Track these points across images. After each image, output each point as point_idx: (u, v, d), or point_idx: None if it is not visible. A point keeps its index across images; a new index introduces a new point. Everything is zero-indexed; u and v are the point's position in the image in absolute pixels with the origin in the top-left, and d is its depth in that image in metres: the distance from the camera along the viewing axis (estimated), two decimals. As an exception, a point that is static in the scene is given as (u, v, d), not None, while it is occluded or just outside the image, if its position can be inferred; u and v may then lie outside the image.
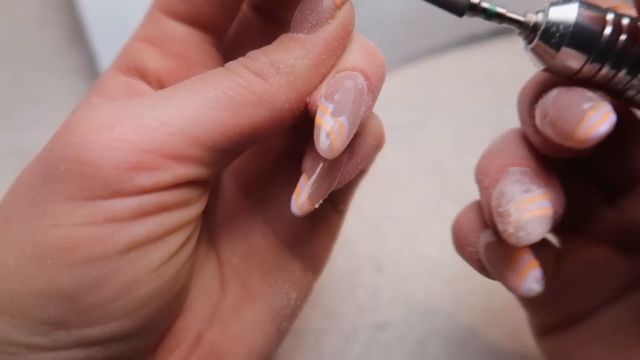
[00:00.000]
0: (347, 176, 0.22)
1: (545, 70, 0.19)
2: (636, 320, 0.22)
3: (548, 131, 0.19)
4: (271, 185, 0.24)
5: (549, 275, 0.24)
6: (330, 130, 0.19)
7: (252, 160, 0.25)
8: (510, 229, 0.18)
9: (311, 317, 0.32)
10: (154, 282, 0.19)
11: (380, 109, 0.23)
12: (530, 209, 0.19)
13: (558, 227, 0.22)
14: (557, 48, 0.18)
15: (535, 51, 0.19)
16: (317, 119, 0.19)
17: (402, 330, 0.32)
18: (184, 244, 0.20)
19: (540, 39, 0.18)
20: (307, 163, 0.21)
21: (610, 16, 0.18)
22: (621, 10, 0.19)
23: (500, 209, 0.19)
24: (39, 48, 0.46)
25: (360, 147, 0.22)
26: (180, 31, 0.22)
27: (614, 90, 0.19)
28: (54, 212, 0.17)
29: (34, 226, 0.18)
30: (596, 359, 0.23)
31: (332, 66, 0.21)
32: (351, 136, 0.20)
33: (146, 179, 0.18)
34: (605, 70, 0.18)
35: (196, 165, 0.19)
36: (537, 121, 0.19)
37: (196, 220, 0.20)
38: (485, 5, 0.18)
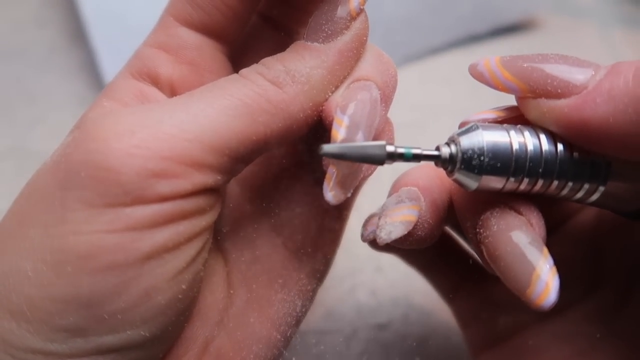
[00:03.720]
0: (370, 172, 0.22)
1: (474, 191, 0.20)
2: (556, 343, 0.23)
3: (495, 270, 0.20)
4: (277, 192, 0.24)
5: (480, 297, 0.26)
6: None
7: (258, 167, 0.25)
8: (377, 232, 0.21)
9: (311, 317, 0.32)
10: (172, 289, 0.19)
11: (380, 109, 0.23)
12: (394, 216, 0.21)
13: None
14: (479, 176, 0.19)
15: (458, 179, 0.20)
16: (334, 132, 0.20)
17: (402, 330, 0.32)
18: (199, 251, 0.20)
19: (460, 169, 0.19)
20: None
21: (512, 132, 0.19)
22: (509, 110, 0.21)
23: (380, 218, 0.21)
24: (39, 47, 0.46)
25: None
26: (193, 39, 0.22)
27: (538, 193, 0.20)
28: (74, 219, 0.17)
29: (53, 232, 0.17)
30: None
31: (346, 76, 0.21)
32: None
33: (166, 187, 0.18)
34: (525, 182, 0.19)
35: (213, 172, 0.19)
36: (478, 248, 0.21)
37: (211, 227, 0.20)
38: (401, 151, 0.19)
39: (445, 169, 0.20)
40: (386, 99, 0.21)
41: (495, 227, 0.19)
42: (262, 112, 0.19)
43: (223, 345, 0.22)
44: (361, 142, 0.19)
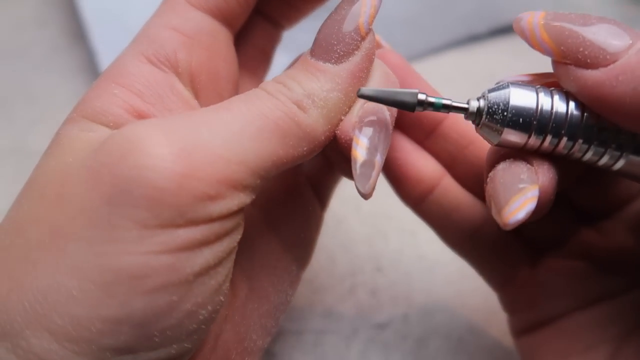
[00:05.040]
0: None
1: (497, 145, 0.21)
2: (597, 326, 0.23)
3: (488, 204, 0.20)
4: (272, 190, 0.25)
5: (524, 281, 0.26)
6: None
7: None
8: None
9: (311, 317, 0.32)
10: (214, 302, 0.19)
11: (380, 108, 0.23)
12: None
13: (539, 243, 0.25)
14: (501, 129, 0.20)
15: (483, 132, 0.21)
16: (354, 153, 0.20)
17: (402, 330, 0.32)
18: (232, 262, 0.20)
19: (485, 122, 0.20)
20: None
21: (542, 93, 0.20)
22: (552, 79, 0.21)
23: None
24: (39, 47, 0.46)
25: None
26: (208, 24, 0.21)
27: (561, 155, 0.20)
28: (125, 238, 0.17)
29: (102, 251, 0.17)
30: (558, 355, 0.24)
31: None
32: (382, 167, 0.21)
33: (216, 208, 0.18)
34: (548, 141, 0.20)
35: (252, 192, 0.19)
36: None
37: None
38: (432, 100, 0.20)
39: (472, 121, 0.21)
40: (393, 118, 0.22)
41: (500, 166, 0.20)
42: (292, 135, 0.19)
43: (229, 338, 0.22)
44: (395, 89, 0.20)
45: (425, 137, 0.26)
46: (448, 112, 0.21)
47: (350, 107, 0.21)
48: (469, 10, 0.46)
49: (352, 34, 0.20)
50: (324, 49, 0.20)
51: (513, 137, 0.20)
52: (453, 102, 0.20)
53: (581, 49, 0.19)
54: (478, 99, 0.20)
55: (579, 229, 0.25)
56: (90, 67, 0.43)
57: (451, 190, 0.26)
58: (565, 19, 0.19)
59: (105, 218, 0.17)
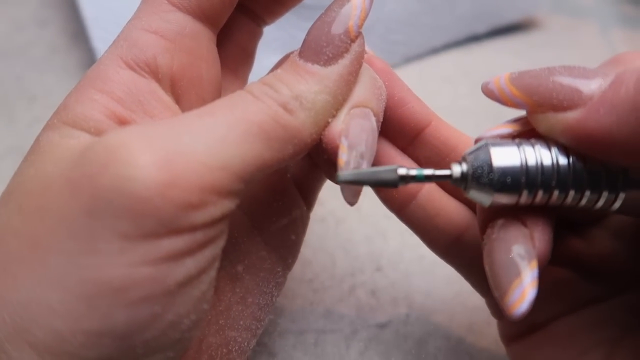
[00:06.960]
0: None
1: (489, 206, 0.20)
2: (589, 330, 0.23)
3: (487, 277, 0.20)
4: (256, 191, 0.25)
5: None
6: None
7: None
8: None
9: (311, 317, 0.32)
10: (197, 310, 0.19)
11: (380, 108, 0.23)
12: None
13: None
14: (491, 192, 0.19)
15: (473, 197, 0.20)
16: (340, 160, 0.20)
17: (402, 330, 0.32)
18: (216, 270, 0.20)
19: (472, 186, 0.20)
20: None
21: (523, 146, 0.19)
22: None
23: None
24: (39, 47, 0.45)
25: None
26: (190, 26, 0.21)
27: (555, 205, 0.20)
28: (107, 250, 0.17)
29: (83, 263, 0.17)
30: None
31: (346, 99, 0.21)
32: None
33: (200, 217, 0.18)
34: (539, 195, 0.19)
35: (236, 197, 0.19)
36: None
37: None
38: (413, 173, 0.20)
39: (459, 187, 0.20)
40: (379, 124, 0.22)
41: (495, 235, 0.20)
42: (278, 138, 0.19)
43: (214, 342, 0.22)
44: (374, 168, 0.20)
45: (408, 144, 0.26)
46: (432, 182, 0.20)
47: (337, 111, 0.21)
48: (469, 10, 0.46)
49: (342, 36, 0.20)
50: (313, 51, 0.20)
51: (505, 198, 0.19)
52: (435, 171, 0.20)
53: (554, 94, 0.19)
54: (460, 163, 0.20)
55: (564, 236, 0.25)
56: (89, 67, 0.43)
57: (434, 195, 0.25)
58: (530, 73, 0.19)
59: (86, 230, 0.17)
